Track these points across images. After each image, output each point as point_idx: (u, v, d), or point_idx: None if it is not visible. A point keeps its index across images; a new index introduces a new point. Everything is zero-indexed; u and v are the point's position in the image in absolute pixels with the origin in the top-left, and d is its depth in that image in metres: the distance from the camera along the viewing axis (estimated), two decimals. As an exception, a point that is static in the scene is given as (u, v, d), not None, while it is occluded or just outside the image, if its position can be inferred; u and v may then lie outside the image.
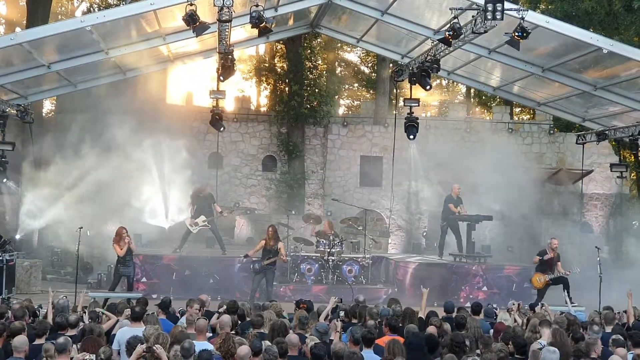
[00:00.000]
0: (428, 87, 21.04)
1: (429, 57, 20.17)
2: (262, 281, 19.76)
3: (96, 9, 36.41)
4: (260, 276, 19.68)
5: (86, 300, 15.18)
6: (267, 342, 10.52)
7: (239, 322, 13.03)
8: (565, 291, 18.97)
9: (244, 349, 9.64)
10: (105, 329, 11.86)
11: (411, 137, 23.04)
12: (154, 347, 9.49)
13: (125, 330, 11.53)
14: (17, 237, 23.21)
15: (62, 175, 26.98)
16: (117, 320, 12.47)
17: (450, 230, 23.44)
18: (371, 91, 39.62)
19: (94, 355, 9.58)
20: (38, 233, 28.45)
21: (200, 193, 22.57)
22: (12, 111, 22.33)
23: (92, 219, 23.00)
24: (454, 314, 14.19)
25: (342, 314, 12.79)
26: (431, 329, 11.89)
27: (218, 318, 12.71)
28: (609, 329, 12.73)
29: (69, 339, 10.22)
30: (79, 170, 25.57)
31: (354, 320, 13.37)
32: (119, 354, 10.81)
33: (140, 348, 9.61)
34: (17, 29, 33.03)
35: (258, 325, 12.03)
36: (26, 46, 19.25)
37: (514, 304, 14.89)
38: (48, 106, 34.97)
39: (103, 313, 12.95)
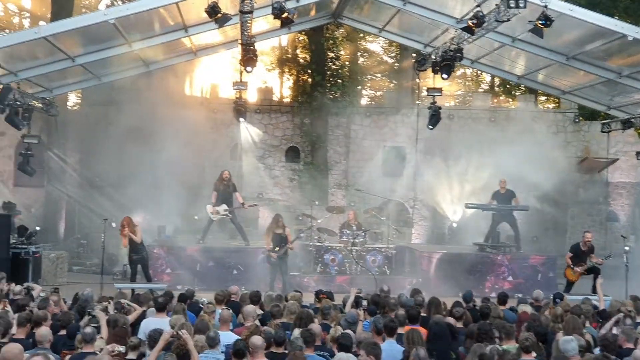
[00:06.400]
0: (445, 77, 20.93)
1: (452, 46, 20.09)
2: (278, 271, 19.96)
3: (119, 2, 36.58)
4: (276, 266, 19.87)
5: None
6: (297, 332, 10.56)
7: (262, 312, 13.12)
8: (595, 280, 18.91)
9: (258, 339, 9.67)
10: (131, 320, 11.94)
11: (430, 126, 23.08)
12: (181, 332, 9.58)
13: (150, 321, 11.61)
14: (37, 228, 23.36)
15: (87, 167, 27.24)
16: (143, 312, 12.54)
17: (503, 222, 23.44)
18: (394, 81, 39.47)
19: (123, 346, 9.67)
20: (64, 225, 28.71)
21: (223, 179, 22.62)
22: (38, 104, 22.48)
23: (117, 210, 23.13)
24: (476, 304, 14.24)
25: (364, 303, 12.80)
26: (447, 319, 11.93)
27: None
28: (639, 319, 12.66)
29: (95, 329, 10.32)
30: (103, 162, 25.77)
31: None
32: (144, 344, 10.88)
33: (167, 333, 9.69)
34: (42, 23, 33.21)
35: (278, 315, 12.09)
36: (50, 40, 19.38)
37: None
38: (73, 99, 35.14)
39: (129, 305, 13.02)
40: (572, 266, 19.61)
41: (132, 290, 17.39)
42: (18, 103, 20.91)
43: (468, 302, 14.30)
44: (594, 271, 19.32)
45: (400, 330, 10.86)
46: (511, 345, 10.26)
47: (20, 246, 20.85)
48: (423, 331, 10.88)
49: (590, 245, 19.77)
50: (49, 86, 23.48)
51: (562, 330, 11.17)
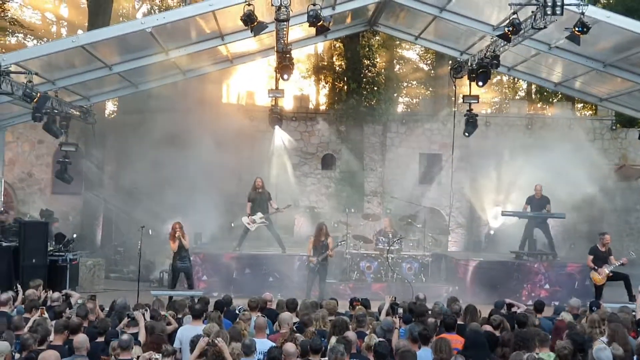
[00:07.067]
0: (481, 84, 20.91)
1: (488, 53, 20.00)
2: (316, 278, 19.90)
3: (156, 11, 36.85)
4: (315, 273, 19.82)
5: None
6: (333, 340, 10.54)
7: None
8: (627, 289, 18.72)
9: (291, 346, 9.67)
10: (167, 331, 11.97)
11: (466, 134, 23.05)
12: (216, 341, 9.60)
13: (186, 329, 11.65)
14: (75, 235, 23.56)
15: (124, 174, 27.41)
16: (178, 327, 12.49)
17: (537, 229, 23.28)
18: (430, 88, 39.40)
19: (160, 354, 9.71)
20: (101, 232, 28.95)
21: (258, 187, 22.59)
22: (75, 112, 22.69)
23: (153, 217, 23.26)
24: (513, 306, 14.22)
25: (400, 311, 12.76)
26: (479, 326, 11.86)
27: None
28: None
29: (132, 336, 10.37)
30: (140, 170, 25.92)
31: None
32: (180, 351, 10.92)
33: (202, 342, 9.71)
34: (79, 31, 33.55)
35: (309, 323, 12.06)
36: (88, 48, 19.54)
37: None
38: (110, 107, 35.45)
39: (166, 316, 13.03)
40: (595, 268, 19.45)
41: (170, 297, 17.47)
42: (56, 111, 21.11)
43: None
44: (622, 277, 19.13)
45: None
46: (546, 353, 10.18)
47: (57, 253, 21.01)
48: (460, 339, 10.83)
49: (609, 247, 19.62)
50: (86, 94, 23.67)
51: (599, 336, 11.06)
